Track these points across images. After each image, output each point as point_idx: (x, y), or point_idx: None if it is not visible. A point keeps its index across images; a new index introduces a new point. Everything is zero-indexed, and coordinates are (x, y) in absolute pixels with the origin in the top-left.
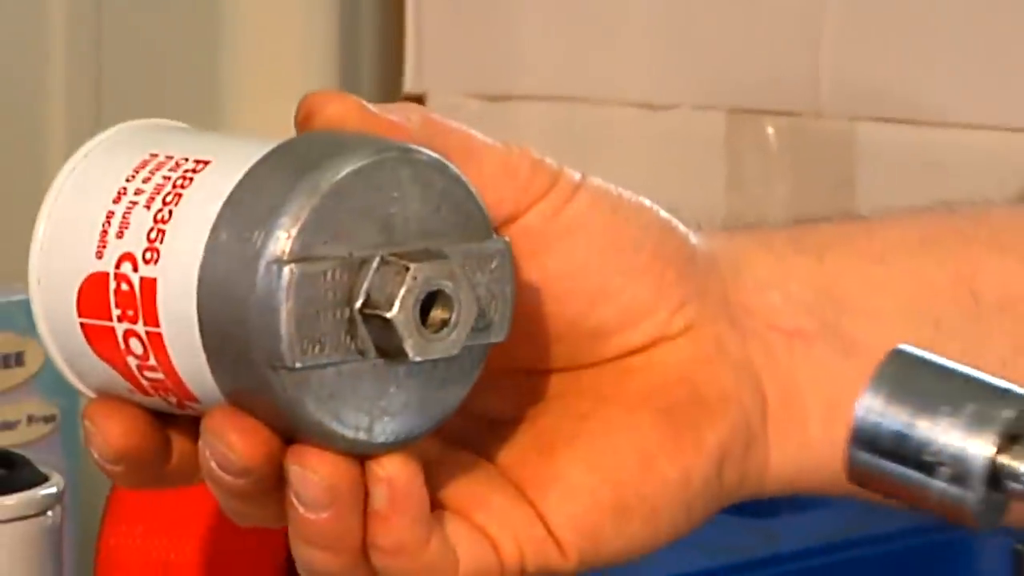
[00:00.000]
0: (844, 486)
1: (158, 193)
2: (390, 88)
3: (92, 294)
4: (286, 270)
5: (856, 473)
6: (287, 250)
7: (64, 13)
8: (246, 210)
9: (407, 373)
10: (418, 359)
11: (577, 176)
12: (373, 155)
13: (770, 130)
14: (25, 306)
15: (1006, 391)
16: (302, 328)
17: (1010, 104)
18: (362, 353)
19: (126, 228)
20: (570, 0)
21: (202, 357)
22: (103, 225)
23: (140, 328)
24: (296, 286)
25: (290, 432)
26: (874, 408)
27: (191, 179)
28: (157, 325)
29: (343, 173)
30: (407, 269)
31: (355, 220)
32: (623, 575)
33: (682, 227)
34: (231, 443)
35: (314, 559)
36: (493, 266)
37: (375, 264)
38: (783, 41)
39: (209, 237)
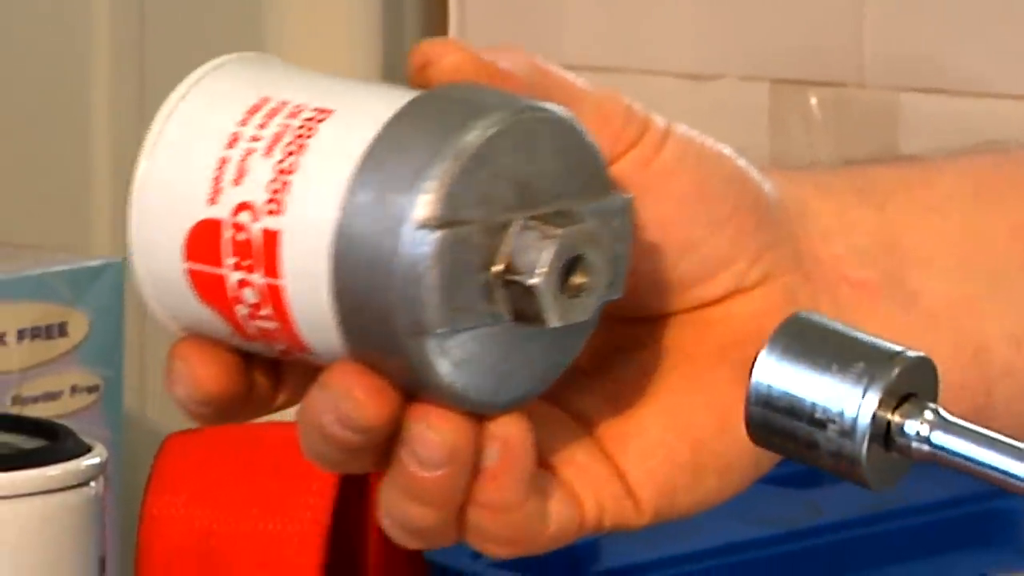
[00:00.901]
0: None
1: (277, 141)
2: None
3: (202, 240)
4: (433, 236)
5: (754, 431)
6: (434, 215)
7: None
8: (388, 170)
9: (534, 335)
10: (556, 325)
11: (662, 123)
12: (513, 115)
13: (814, 100)
14: (68, 276)
15: (896, 352)
16: (446, 295)
17: None
18: (496, 317)
19: (243, 175)
20: None
21: (329, 314)
22: (216, 170)
23: (257, 278)
24: (443, 252)
25: (414, 391)
26: (768, 368)
27: (314, 129)
28: (277, 277)
29: (488, 135)
30: (551, 236)
31: (495, 182)
32: (667, 546)
33: (757, 175)
34: (359, 402)
35: (413, 514)
36: (615, 223)
37: (516, 228)
38: (827, 11)
39: (346, 195)
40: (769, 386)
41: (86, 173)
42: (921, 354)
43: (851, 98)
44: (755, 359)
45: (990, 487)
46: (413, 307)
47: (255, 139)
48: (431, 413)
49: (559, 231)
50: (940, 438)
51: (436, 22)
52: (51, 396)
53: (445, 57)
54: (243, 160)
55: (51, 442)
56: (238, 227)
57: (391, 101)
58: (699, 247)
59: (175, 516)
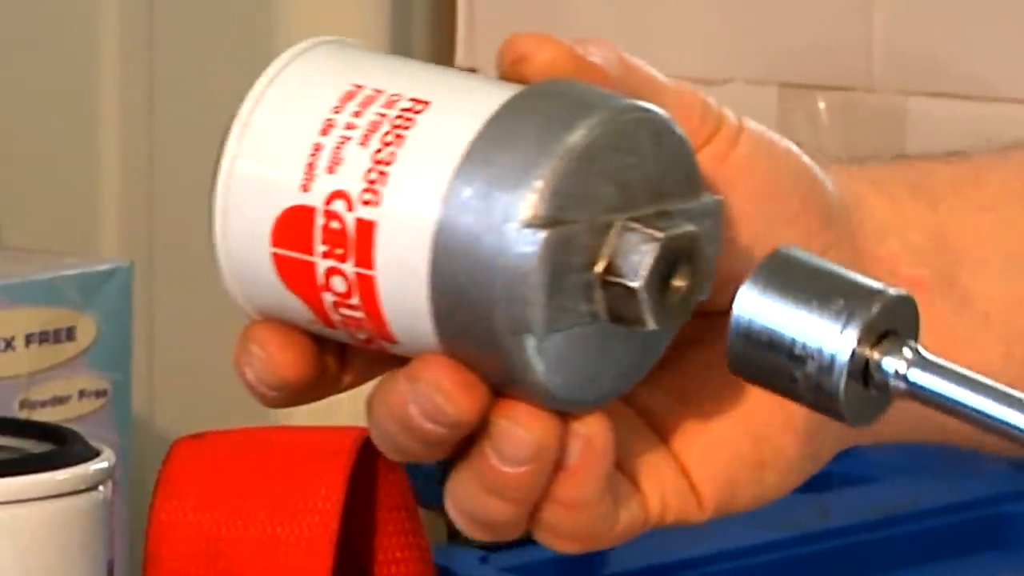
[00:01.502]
0: (947, 436)
1: (374, 131)
2: (441, 62)
3: (292, 227)
4: (540, 235)
5: (735, 365)
6: (541, 214)
7: None
8: (494, 166)
9: (626, 336)
10: (654, 328)
11: (735, 118)
12: (617, 115)
13: (822, 104)
14: (77, 280)
15: (877, 289)
16: (550, 294)
17: None
18: (593, 317)
19: (338, 164)
20: None
21: (424, 307)
22: (309, 156)
23: (349, 268)
24: (549, 251)
25: (503, 387)
26: (749, 302)
27: (412, 120)
28: (371, 268)
29: (594, 135)
30: (654, 238)
31: (599, 182)
32: (677, 550)
33: (820, 172)
34: (452, 398)
35: (490, 508)
36: (707, 224)
37: (617, 229)
38: (835, 15)
39: (449, 190)
40: (750, 320)
41: (95, 177)
42: (902, 292)
43: (859, 102)
44: (736, 292)
45: (999, 491)
46: (516, 305)
47: (350, 127)
48: (520, 410)
49: (661, 234)
50: (917, 376)
51: (444, 20)
52: (59, 400)
53: (541, 52)
54: (338, 148)
55: (59, 446)
56: (331, 215)
57: (490, 96)
58: (767, 244)
59: (183, 520)
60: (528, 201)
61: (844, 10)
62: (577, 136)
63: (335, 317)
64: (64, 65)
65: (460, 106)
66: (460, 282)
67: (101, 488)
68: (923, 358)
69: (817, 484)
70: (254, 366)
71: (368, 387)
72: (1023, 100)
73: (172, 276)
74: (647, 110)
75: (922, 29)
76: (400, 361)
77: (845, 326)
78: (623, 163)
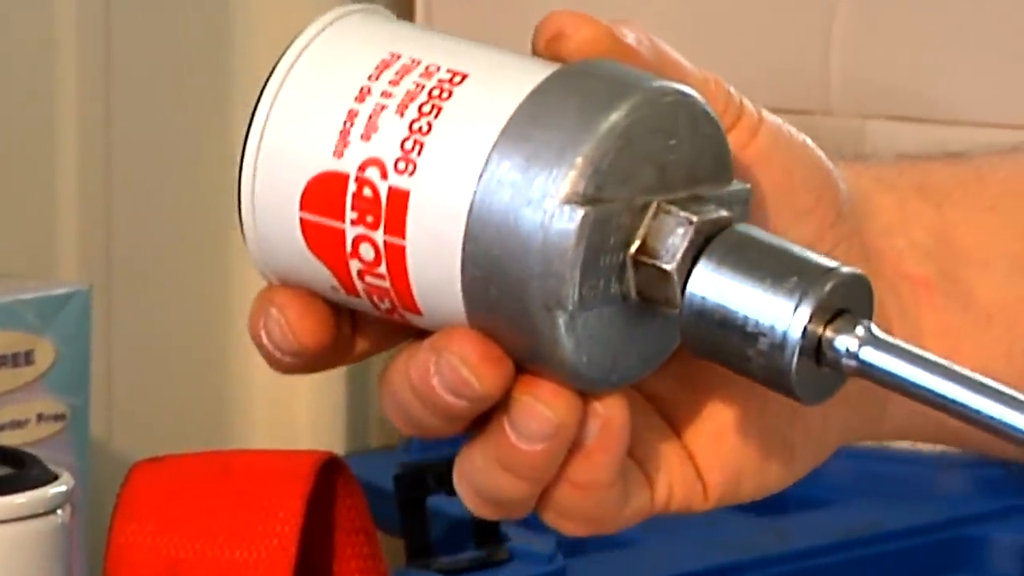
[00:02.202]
0: (947, 436)
1: (411, 100)
2: None
3: (323, 192)
4: (579, 212)
5: (688, 342)
6: (580, 191)
7: None
8: (534, 142)
9: (653, 318)
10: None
11: (755, 108)
12: (658, 97)
13: None
14: (35, 304)
15: (830, 267)
16: (585, 272)
17: (1020, 101)
18: (624, 297)
19: (373, 132)
20: None
21: (455, 279)
22: (344, 123)
23: (379, 236)
24: (587, 229)
25: (528, 362)
26: (703, 279)
27: (450, 92)
28: (402, 237)
29: (636, 115)
30: (691, 222)
31: (638, 163)
32: (638, 573)
33: (834, 167)
34: (478, 371)
35: (502, 485)
36: (737, 211)
37: (653, 211)
38: (794, 38)
39: (487, 163)
40: (703, 297)
41: (52, 201)
42: (856, 270)
43: (818, 125)
44: (690, 270)
45: (957, 514)
46: (551, 281)
47: (386, 95)
48: (543, 387)
49: (696, 218)
50: (869, 354)
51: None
52: (17, 424)
53: (581, 31)
54: (374, 116)
55: (17, 470)
56: (364, 183)
57: (528, 72)
58: (783, 234)
59: (142, 544)
60: (569, 178)
61: (803, 33)
62: (619, 115)
63: (359, 285)
64: (20, 88)
65: (499, 80)
66: (495, 255)
67: (60, 512)
68: (875, 336)
69: (775, 507)
70: (271, 331)
71: (325, 414)
72: (981, 123)
73: (130, 300)
74: (687, 94)
75: (880, 53)
76: (418, 333)
77: (798, 304)
78: (662, 145)
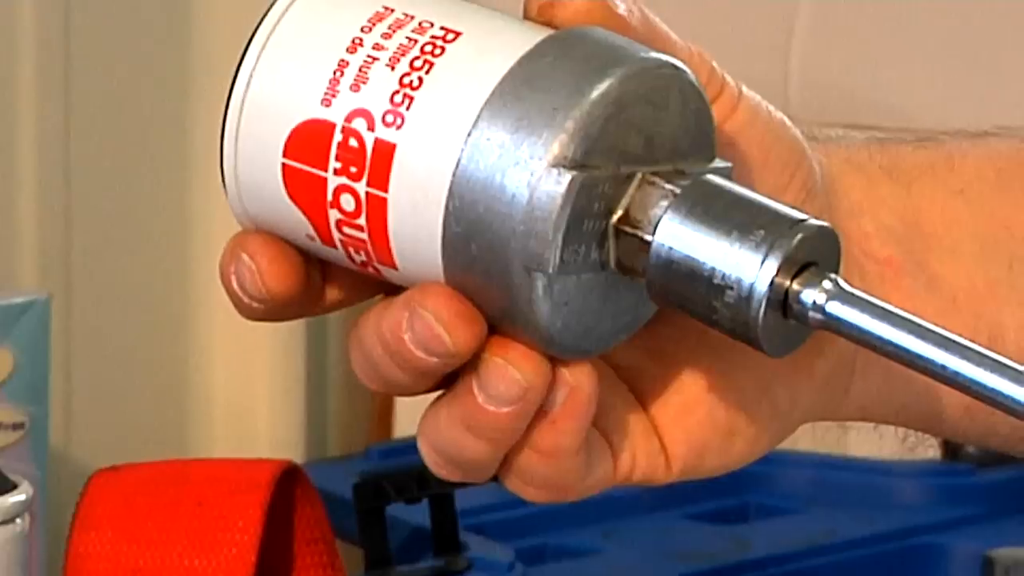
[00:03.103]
0: (912, 420)
1: (403, 54)
2: None
3: (308, 139)
4: (567, 176)
5: (654, 293)
6: (568, 155)
7: None
8: (525, 104)
9: (628, 288)
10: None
11: (735, 84)
12: (650, 68)
13: None
14: None
15: (798, 219)
16: (569, 236)
17: (978, 109)
18: (603, 265)
19: (363, 83)
20: None
21: (435, 235)
22: (334, 73)
23: (361, 187)
24: (573, 193)
25: (502, 324)
26: (670, 231)
27: (443, 48)
28: (384, 190)
29: (628, 85)
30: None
31: (626, 133)
32: None
33: (808, 146)
34: (451, 328)
35: (467, 446)
36: None
37: (638, 181)
38: (752, 46)
39: (476, 121)
40: (670, 248)
41: (11, 210)
42: (823, 223)
43: None
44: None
45: (916, 522)
46: (533, 241)
47: (378, 47)
48: (514, 349)
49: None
50: (836, 308)
51: None
52: None
53: (575, 0)
54: (364, 67)
55: None
56: (350, 133)
57: (522, 34)
58: None
59: (101, 553)
60: (558, 141)
61: (761, 41)
62: (611, 83)
63: (337, 236)
64: None
65: (492, 41)
66: (478, 213)
67: (19, 520)
68: (842, 290)
69: (735, 515)
70: (241, 274)
71: (286, 410)
72: (937, 129)
73: (90, 309)
74: (678, 67)
75: (839, 60)
76: (389, 287)
77: (765, 257)
78: (651, 116)
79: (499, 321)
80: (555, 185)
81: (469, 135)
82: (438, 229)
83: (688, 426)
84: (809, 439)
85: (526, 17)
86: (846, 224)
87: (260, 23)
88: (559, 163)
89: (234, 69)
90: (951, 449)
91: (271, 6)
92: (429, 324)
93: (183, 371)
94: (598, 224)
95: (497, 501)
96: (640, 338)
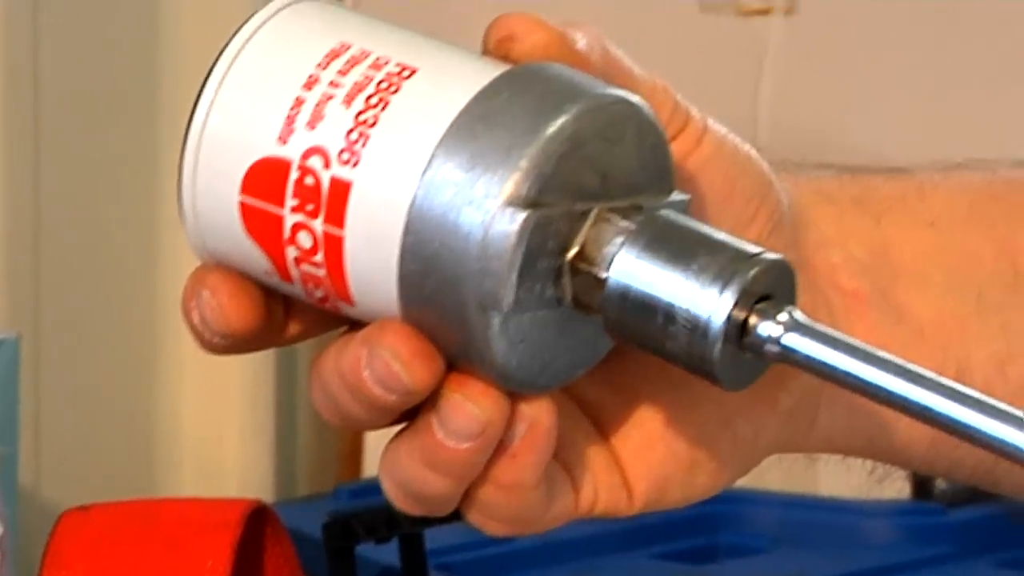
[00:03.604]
0: (878, 453)
1: (359, 91)
2: None
3: (265, 177)
4: (522, 215)
5: (611, 329)
6: (523, 194)
7: None
8: (480, 142)
9: (584, 321)
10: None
11: (700, 118)
12: (605, 104)
13: None
14: None
15: (753, 253)
16: (524, 275)
17: (946, 149)
18: (559, 301)
19: (319, 120)
20: None
21: (391, 273)
22: (290, 110)
23: (317, 225)
24: (528, 232)
25: (458, 360)
26: (627, 264)
27: (399, 86)
28: (340, 227)
29: (582, 121)
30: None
31: (581, 169)
32: None
33: (776, 179)
34: (409, 366)
35: (427, 481)
36: None
37: (592, 218)
38: (722, 84)
39: (431, 159)
40: (626, 285)
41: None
42: (779, 256)
43: None
44: (614, 255)
45: (884, 562)
46: (488, 281)
47: (334, 85)
48: (472, 386)
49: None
50: (792, 340)
51: None
52: None
53: (532, 34)
54: (320, 104)
55: None
56: (306, 171)
57: (477, 71)
58: None
59: None
60: (512, 180)
61: (731, 79)
62: (565, 120)
63: (294, 272)
64: None
65: (447, 77)
66: (433, 252)
67: None
68: (798, 322)
69: (704, 555)
70: (202, 310)
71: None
72: (907, 170)
73: (59, 348)
74: (632, 102)
75: (808, 98)
76: (351, 321)
77: (721, 291)
78: (605, 152)
79: (457, 357)
80: (509, 224)
81: (424, 173)
82: (394, 267)
83: (650, 460)
84: (777, 470)
85: (485, 52)
86: (814, 256)
87: (220, 54)
88: (514, 202)
89: (193, 102)
90: (921, 488)
91: (231, 38)
92: (387, 362)
93: (152, 410)
94: (554, 261)
95: (466, 540)
96: (601, 371)
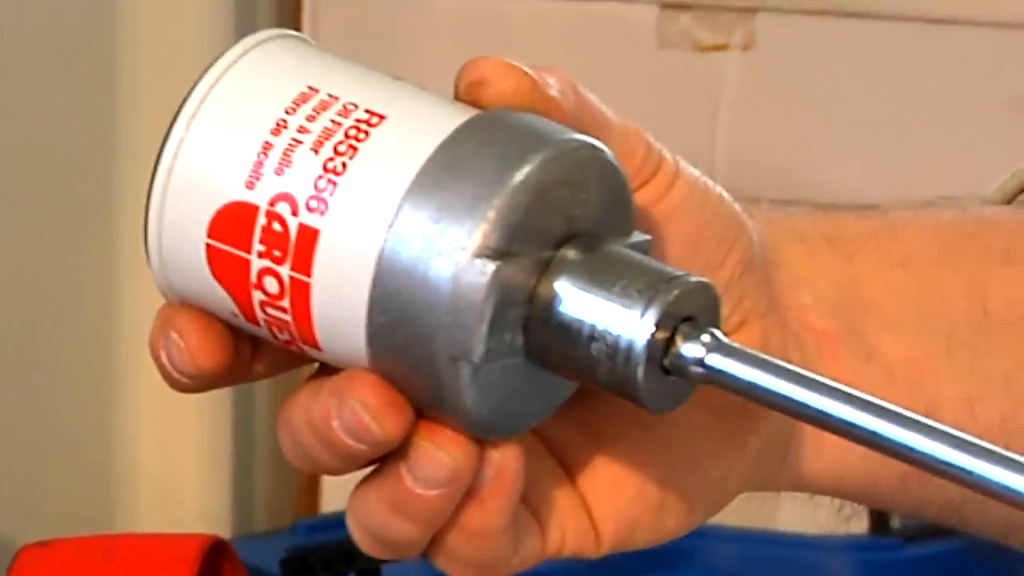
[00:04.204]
0: (849, 492)
1: (327, 138)
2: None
3: (232, 222)
4: (491, 266)
5: (533, 353)
6: (492, 245)
7: None
8: (447, 193)
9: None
10: None
11: (672, 160)
12: (571, 152)
13: None
14: None
15: (675, 275)
16: (493, 326)
17: (902, 183)
18: (526, 348)
19: (287, 167)
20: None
21: (360, 322)
22: (258, 155)
23: (284, 271)
24: (497, 283)
25: (427, 409)
26: (551, 288)
27: (367, 133)
28: (308, 275)
29: (547, 169)
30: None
31: (547, 216)
32: None
33: (748, 220)
34: (379, 417)
35: (395, 527)
36: None
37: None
38: (679, 121)
39: (399, 210)
40: (550, 308)
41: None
42: (701, 278)
43: None
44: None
45: None
46: (459, 332)
47: (303, 131)
48: (442, 433)
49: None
50: (716, 361)
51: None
52: None
53: (502, 81)
54: (288, 151)
55: None
56: (274, 217)
57: (445, 118)
58: None
59: None
60: (480, 231)
61: (688, 114)
62: (530, 169)
63: (260, 316)
64: None
65: (414, 125)
66: (403, 303)
67: None
68: (721, 343)
69: None
70: (170, 351)
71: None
72: (859, 203)
73: (13, 383)
74: (597, 148)
75: (766, 134)
76: (321, 365)
77: (644, 312)
78: (570, 199)
79: (426, 405)
80: (479, 276)
81: (392, 225)
82: (363, 317)
83: (618, 501)
84: (736, 505)
85: (456, 96)
86: (785, 296)
87: (190, 93)
88: (482, 253)
89: (160, 141)
90: (879, 523)
91: (201, 76)
92: (357, 413)
93: (109, 446)
94: (522, 311)
95: (424, 574)
96: (570, 412)
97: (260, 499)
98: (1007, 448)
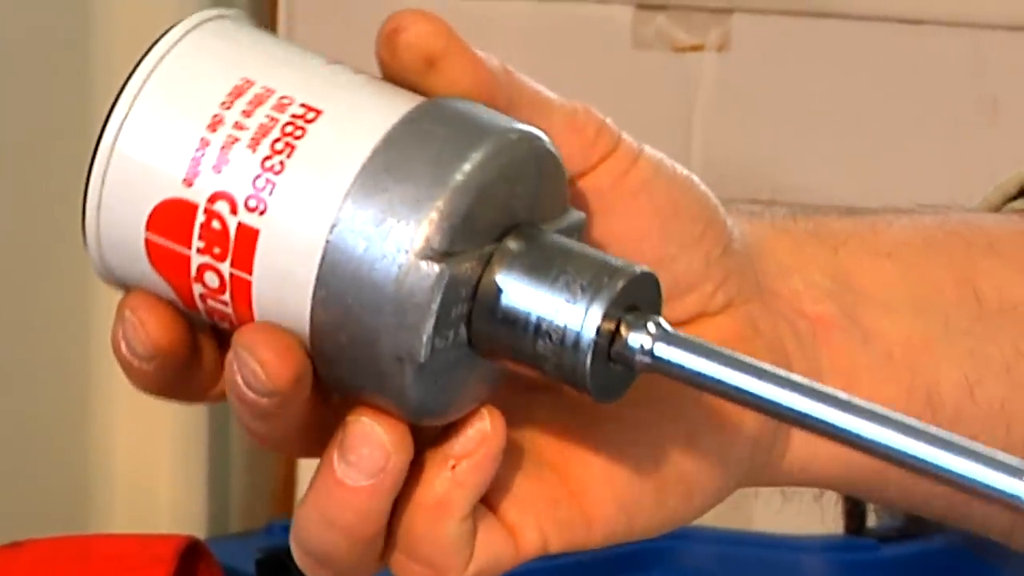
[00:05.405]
0: (855, 483)
1: (264, 135)
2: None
3: (171, 217)
4: (436, 267)
5: (479, 343)
6: (435, 246)
7: None
8: (387, 195)
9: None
10: None
11: (635, 143)
12: (510, 146)
13: None
14: None
15: (619, 266)
16: (439, 325)
17: (877, 184)
18: (469, 341)
19: (224, 164)
20: None
21: (302, 321)
22: (195, 152)
23: (225, 268)
24: (442, 283)
25: (368, 397)
26: (495, 282)
27: (304, 130)
28: (248, 273)
29: (487, 167)
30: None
31: (488, 211)
32: None
33: (722, 207)
34: (264, 361)
35: (327, 540)
36: (575, 240)
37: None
38: (655, 122)
39: (340, 211)
40: (495, 299)
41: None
42: (645, 268)
43: None
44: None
45: None
46: (404, 333)
47: (239, 127)
48: (378, 415)
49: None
50: (662, 350)
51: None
52: None
53: (416, 25)
54: (225, 148)
55: None
56: (213, 215)
57: (383, 109)
58: (671, 265)
59: None
60: (423, 233)
61: (664, 118)
62: (471, 168)
63: (200, 305)
64: None
65: (352, 120)
66: (347, 304)
67: None
68: (667, 332)
69: None
70: (127, 333)
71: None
72: (833, 204)
73: None
74: (536, 137)
75: (741, 136)
76: None
77: (590, 303)
78: (511, 191)
79: (366, 394)
80: (424, 279)
81: (334, 226)
82: (305, 315)
83: (614, 484)
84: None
85: (377, 55)
86: (776, 284)
87: (125, 84)
88: (426, 255)
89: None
90: (855, 523)
91: (136, 66)
92: (245, 361)
93: (84, 445)
94: (465, 307)
95: None
96: (557, 397)
97: (235, 500)
98: (1008, 433)
